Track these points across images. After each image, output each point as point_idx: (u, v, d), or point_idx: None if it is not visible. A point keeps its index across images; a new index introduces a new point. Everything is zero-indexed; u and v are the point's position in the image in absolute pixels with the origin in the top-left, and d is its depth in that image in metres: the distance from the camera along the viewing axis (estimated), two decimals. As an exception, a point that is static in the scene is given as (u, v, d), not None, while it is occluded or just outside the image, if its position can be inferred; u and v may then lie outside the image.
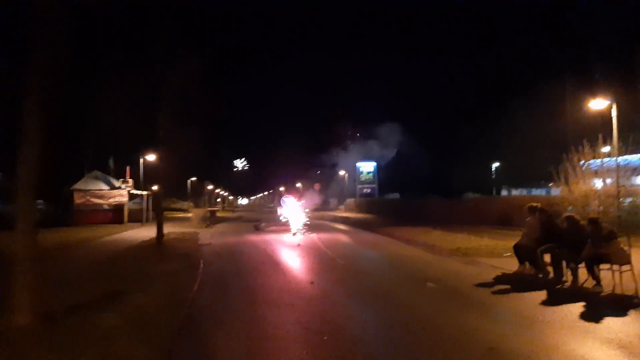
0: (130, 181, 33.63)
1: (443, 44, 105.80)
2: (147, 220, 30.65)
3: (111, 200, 30.71)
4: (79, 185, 31.66)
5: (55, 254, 13.95)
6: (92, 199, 30.13)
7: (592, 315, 6.60)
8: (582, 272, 8.37)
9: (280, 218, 26.15)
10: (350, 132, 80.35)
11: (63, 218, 26.81)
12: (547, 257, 9.17)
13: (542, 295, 7.88)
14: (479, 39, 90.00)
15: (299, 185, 64.52)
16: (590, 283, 8.18)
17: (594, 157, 16.94)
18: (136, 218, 30.92)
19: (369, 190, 75.12)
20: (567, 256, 8.56)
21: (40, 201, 25.07)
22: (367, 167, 76.90)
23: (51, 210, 28.00)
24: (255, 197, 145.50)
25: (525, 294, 8.04)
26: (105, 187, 31.90)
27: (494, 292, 8.28)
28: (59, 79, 7.34)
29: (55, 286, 8.24)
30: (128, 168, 34.08)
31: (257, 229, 24.84)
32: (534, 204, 10.23)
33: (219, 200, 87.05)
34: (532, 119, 39.80)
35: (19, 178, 6.12)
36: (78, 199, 30.06)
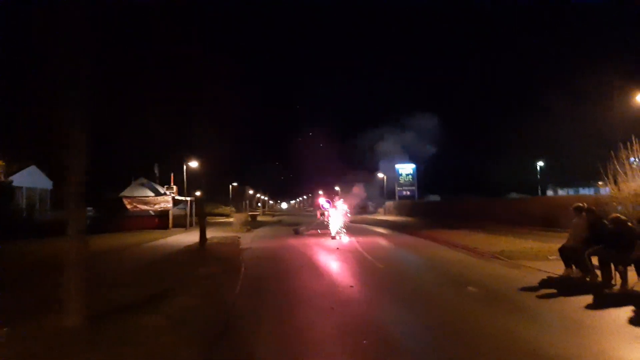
0: (175, 187, 34.65)
1: (486, 38, 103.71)
2: (190, 225, 31.41)
3: (157, 206, 31.67)
4: (127, 192, 32.94)
5: (104, 258, 14.52)
6: (138, 205, 31.18)
7: (644, 319, 6.32)
8: (632, 274, 8.02)
9: (319, 222, 26.25)
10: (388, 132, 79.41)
11: (111, 224, 27.82)
12: (594, 260, 8.85)
13: (589, 299, 7.60)
14: (523, 32, 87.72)
15: (337, 188, 64.51)
16: (641, 286, 7.83)
17: (644, 154, 16.16)
18: (180, 223, 31.74)
19: (408, 193, 74.34)
20: (616, 258, 8.23)
21: (89, 208, 26.13)
22: (406, 169, 76.12)
23: (100, 216, 29.11)
24: (294, 200, 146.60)
25: (572, 297, 7.77)
26: (151, 193, 33.03)
27: (539, 296, 8.05)
28: (103, 89, 7.69)
29: (103, 288, 8.59)
30: (172, 175, 35.11)
31: (297, 233, 25.02)
32: (581, 204, 9.87)
33: (259, 204, 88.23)
34: (578, 116, 38.45)
35: (69, 186, 6.43)
36: (126, 206, 31.17)
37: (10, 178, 30.49)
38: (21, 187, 32.96)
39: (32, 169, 36.27)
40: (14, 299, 8.53)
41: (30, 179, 35.74)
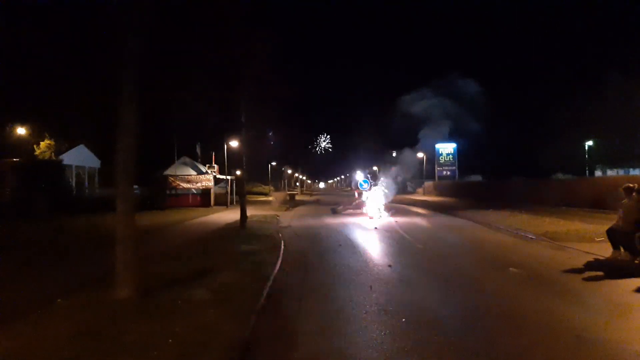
0: (216, 166, 35.36)
1: (531, 15, 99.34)
2: (231, 204, 32.07)
3: (199, 184, 32.41)
4: (170, 170, 33.85)
5: (150, 234, 15.08)
6: (181, 184, 32.00)
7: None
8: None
9: (358, 201, 26.26)
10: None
11: (156, 202, 28.71)
12: (645, 243, 8.51)
13: (637, 282, 7.35)
14: (572, 9, 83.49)
15: (375, 168, 64.13)
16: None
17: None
18: (222, 201, 32.43)
19: (448, 173, 73.00)
20: (669, 241, 7.89)
21: (135, 186, 27.05)
22: (446, 149, 74.65)
23: (146, 194, 30.09)
24: (332, 180, 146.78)
25: (619, 280, 7.55)
26: (193, 172, 33.83)
27: (585, 279, 7.85)
28: (149, 70, 7.86)
29: (152, 264, 8.95)
30: (213, 154, 35.80)
31: (335, 212, 25.15)
32: (631, 185, 9.47)
33: (297, 183, 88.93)
34: (628, 94, 36.48)
35: (118, 165, 6.68)
36: (169, 184, 32.09)
37: (60, 157, 31.87)
38: (71, 166, 34.43)
39: (81, 148, 37.80)
40: (69, 272, 9.03)
41: (79, 157, 37.30)
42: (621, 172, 45.23)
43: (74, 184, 33.46)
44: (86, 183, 37.92)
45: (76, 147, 36.73)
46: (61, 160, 30.31)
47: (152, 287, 6.98)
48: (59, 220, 19.21)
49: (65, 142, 34.26)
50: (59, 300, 6.53)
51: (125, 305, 6.17)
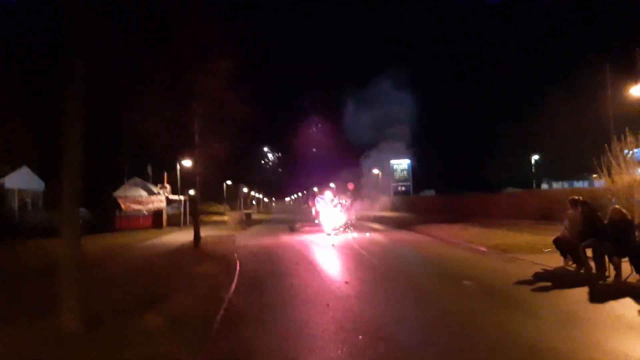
0: (168, 187, 34.47)
1: (478, 36, 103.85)
2: (185, 224, 31.33)
3: (150, 206, 31.54)
4: (120, 192, 32.73)
5: (99, 259, 14.45)
6: (132, 205, 31.04)
7: (637, 310, 6.37)
8: (625, 266, 8.08)
9: (315, 219, 26.26)
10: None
11: (105, 224, 27.70)
12: (589, 252, 8.90)
13: (584, 291, 7.65)
14: (514, 30, 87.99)
15: (332, 185, 64.52)
16: (634, 277, 7.89)
17: (637, 146, 16.26)
18: (175, 222, 31.65)
19: (403, 188, 74.52)
20: (611, 250, 8.28)
21: (83, 209, 25.99)
22: (401, 165, 76.26)
23: (93, 216, 28.95)
24: (289, 198, 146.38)
25: (567, 290, 7.83)
26: (144, 193, 32.86)
27: (534, 290, 8.09)
28: (95, 87, 7.61)
29: (99, 290, 8.53)
30: (165, 174, 34.95)
31: (292, 230, 25.02)
32: (576, 197, 9.94)
33: (254, 202, 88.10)
34: (571, 109, 38.59)
35: (63, 186, 6.35)
36: (119, 206, 31.04)
37: (2, 180, 30.26)
38: (13, 189, 32.72)
39: (24, 170, 36.01)
40: (10, 301, 8.47)
41: (22, 180, 35.46)
42: (566, 184, 47.46)
43: (16, 208, 31.79)
44: (30, 207, 36.09)
45: (19, 170, 34.98)
46: (3, 184, 28.78)
47: (101, 315, 6.64)
48: (1, 246, 18.13)
49: (7, 164, 32.57)
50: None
51: (70, 335, 5.82)
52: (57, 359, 5.05)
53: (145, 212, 31.31)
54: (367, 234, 21.39)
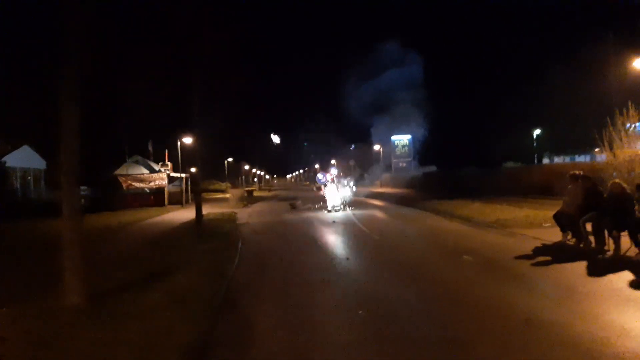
0: (169, 164, 34.53)
1: (478, 10, 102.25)
2: (186, 202, 31.39)
3: (152, 183, 31.57)
4: (121, 170, 32.80)
5: (101, 237, 14.56)
6: (133, 183, 31.07)
7: (634, 284, 6.43)
8: (624, 240, 8.12)
9: (316, 195, 26.32)
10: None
11: (107, 202, 27.75)
12: (588, 227, 8.93)
13: (583, 265, 7.70)
14: (515, 1, 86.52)
15: (333, 162, 64.49)
16: (633, 251, 7.93)
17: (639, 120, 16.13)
18: (176, 200, 31.67)
19: (404, 164, 74.39)
20: (610, 224, 8.30)
21: (84, 187, 26.03)
22: (402, 141, 75.97)
23: (95, 195, 29.04)
24: (291, 175, 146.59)
25: (566, 264, 7.88)
26: (145, 171, 32.91)
27: (533, 264, 8.15)
28: (94, 65, 7.54)
29: (103, 267, 8.62)
30: (167, 151, 34.96)
31: (293, 208, 25.10)
32: (576, 171, 9.93)
33: (255, 179, 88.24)
34: (573, 83, 38.27)
35: (63, 165, 6.35)
36: (121, 184, 31.09)
37: (3, 159, 30.29)
38: (15, 168, 32.78)
39: (25, 149, 36.01)
40: (13, 279, 8.57)
41: (23, 159, 35.51)
42: (567, 159, 47.36)
43: (18, 187, 31.91)
44: (32, 185, 36.23)
45: (20, 148, 34.98)
46: (4, 163, 28.80)
47: (104, 292, 6.72)
48: (3, 225, 18.26)
49: (8, 143, 32.55)
50: (3, 309, 6.18)
51: (75, 312, 5.90)
52: (57, 335, 5.12)
53: (147, 190, 31.33)
54: (368, 211, 21.46)
